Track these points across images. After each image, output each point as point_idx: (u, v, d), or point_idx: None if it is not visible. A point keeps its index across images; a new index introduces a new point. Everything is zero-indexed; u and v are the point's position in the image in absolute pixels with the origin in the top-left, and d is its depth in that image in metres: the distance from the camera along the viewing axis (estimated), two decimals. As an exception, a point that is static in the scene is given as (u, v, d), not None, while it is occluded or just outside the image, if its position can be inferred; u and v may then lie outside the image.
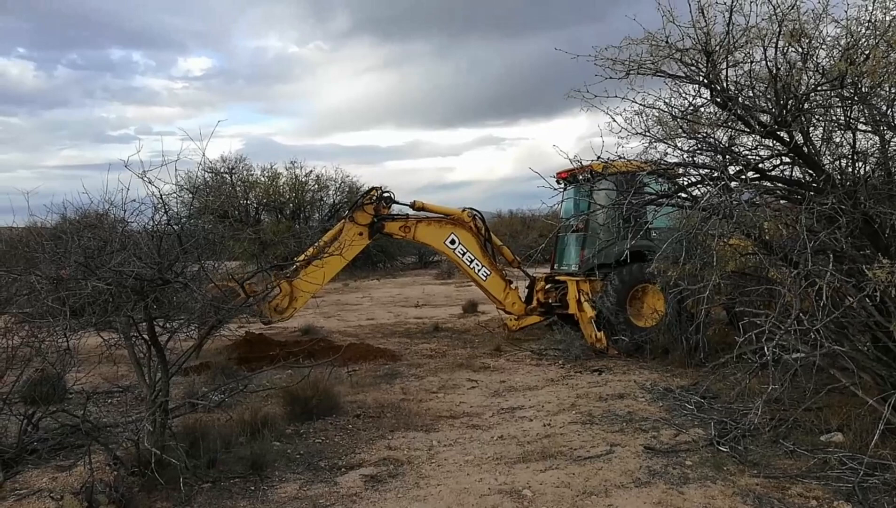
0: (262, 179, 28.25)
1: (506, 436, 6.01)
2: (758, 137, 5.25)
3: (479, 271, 10.73)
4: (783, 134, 5.03)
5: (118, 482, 4.58)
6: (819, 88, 4.85)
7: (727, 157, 5.31)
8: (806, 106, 4.93)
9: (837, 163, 5.31)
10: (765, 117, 5.05)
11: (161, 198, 5.09)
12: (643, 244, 8.49)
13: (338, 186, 29.58)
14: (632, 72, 5.09)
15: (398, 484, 4.96)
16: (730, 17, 4.74)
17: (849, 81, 4.63)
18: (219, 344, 9.09)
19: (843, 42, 4.73)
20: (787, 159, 5.37)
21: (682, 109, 5.35)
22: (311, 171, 28.96)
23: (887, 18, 4.58)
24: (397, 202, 10.66)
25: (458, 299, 16.72)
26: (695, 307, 7.73)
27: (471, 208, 11.08)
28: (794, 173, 5.51)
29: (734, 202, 4.96)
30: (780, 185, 5.50)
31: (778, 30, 4.71)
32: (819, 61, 4.84)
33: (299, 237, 19.23)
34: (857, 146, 5.21)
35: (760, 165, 5.36)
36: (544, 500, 4.56)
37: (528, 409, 6.94)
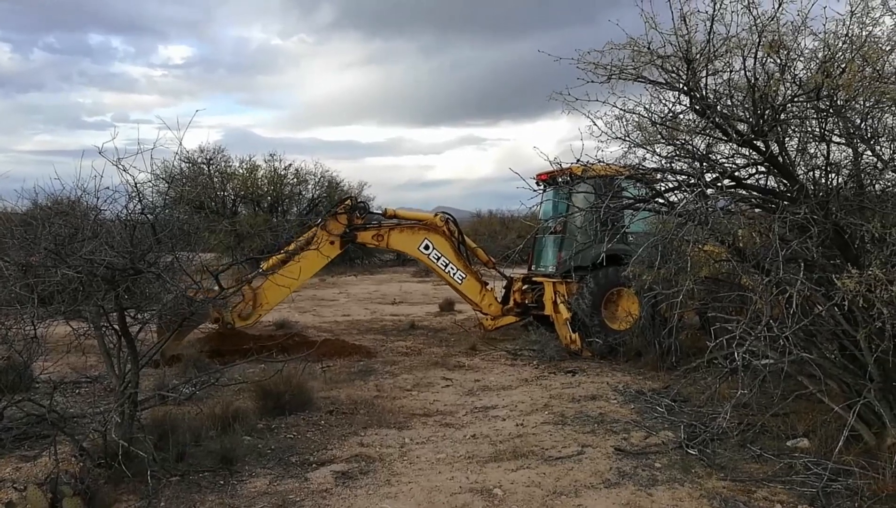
0: (241, 170, 27.92)
1: (478, 435, 6.03)
2: (735, 145, 5.31)
3: (454, 274, 10.74)
4: (759, 143, 5.10)
5: (84, 473, 4.50)
6: (796, 99, 4.93)
7: (704, 164, 5.37)
8: (782, 116, 5.00)
9: (811, 174, 5.40)
10: (742, 126, 5.11)
11: (136, 186, 5.01)
12: (619, 248, 8.55)
13: (317, 180, 29.38)
14: (613, 76, 5.11)
15: (369, 481, 4.94)
16: (711, 26, 4.79)
17: (825, 93, 4.71)
18: (191, 337, 8.98)
19: (820, 55, 4.81)
20: (763, 169, 5.45)
21: (662, 116, 5.39)
22: (290, 164, 28.71)
23: (864, 33, 4.66)
24: (372, 212, 10.65)
25: (435, 298, 16.72)
26: (668, 312, 7.81)
27: (443, 212, 11.10)
28: (768, 183, 5.59)
29: (710, 209, 5.01)
30: (754, 193, 5.57)
31: (757, 40, 4.77)
32: (796, 73, 4.91)
33: (276, 230, 19.07)
34: (830, 158, 5.30)
35: (736, 174, 5.43)
36: (515, 499, 4.58)
37: (501, 409, 6.96)
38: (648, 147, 5.62)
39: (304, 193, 29.28)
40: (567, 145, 7.44)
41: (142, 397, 5.47)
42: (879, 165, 5.19)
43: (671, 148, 5.55)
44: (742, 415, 5.86)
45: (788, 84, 4.90)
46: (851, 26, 4.68)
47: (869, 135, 5.10)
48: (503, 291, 11.42)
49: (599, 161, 5.99)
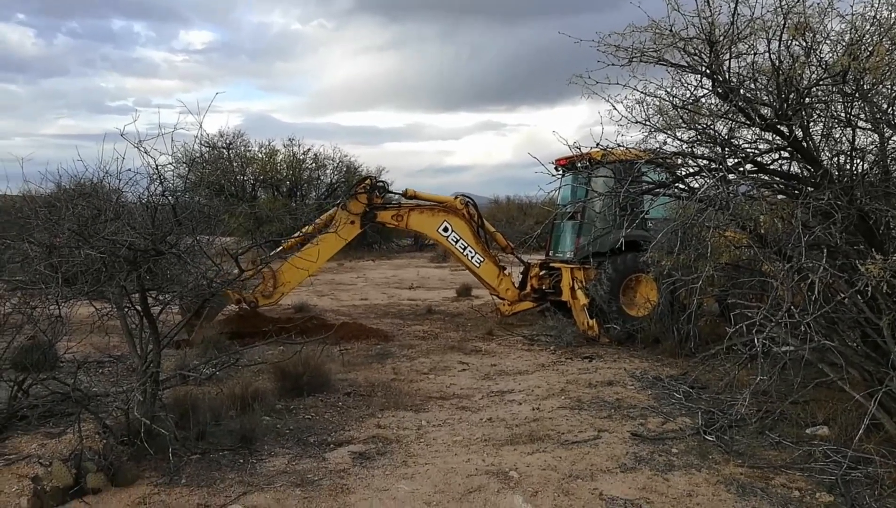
0: (260, 155, 28.12)
1: (494, 419, 6.05)
2: (757, 130, 5.23)
3: (472, 257, 10.73)
4: (783, 128, 5.02)
5: (107, 450, 4.60)
6: (821, 83, 4.83)
7: (726, 149, 5.30)
8: (807, 100, 4.91)
9: (836, 159, 5.30)
10: (765, 110, 5.03)
11: (157, 169, 5.06)
12: (638, 234, 8.50)
13: (335, 165, 29.47)
14: (634, 59, 5.05)
15: (386, 462, 4.99)
16: (735, 8, 4.71)
17: (851, 77, 4.62)
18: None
19: (847, 38, 4.71)
20: (786, 154, 5.36)
21: (683, 99, 5.32)
22: (309, 149, 28.86)
23: (892, 16, 4.56)
24: (391, 192, 10.64)
25: (453, 283, 16.74)
26: (687, 298, 7.76)
27: (463, 195, 11.06)
28: (791, 168, 5.50)
29: (731, 194, 4.96)
30: (777, 179, 5.50)
31: (783, 22, 4.68)
32: (822, 56, 4.82)
33: (295, 214, 19.16)
34: (856, 143, 5.20)
35: (759, 159, 5.35)
36: (530, 482, 4.60)
37: (517, 393, 6.98)
38: (669, 131, 5.56)
39: (322, 177, 29.43)
40: (587, 131, 7.39)
41: (163, 377, 5.56)
42: (906, 150, 5.09)
43: (692, 132, 5.48)
44: (761, 402, 5.82)
45: (814, 67, 4.82)
46: (880, 8, 4.58)
47: (896, 120, 5.00)
48: (521, 276, 11.41)
49: (619, 146, 5.95)
